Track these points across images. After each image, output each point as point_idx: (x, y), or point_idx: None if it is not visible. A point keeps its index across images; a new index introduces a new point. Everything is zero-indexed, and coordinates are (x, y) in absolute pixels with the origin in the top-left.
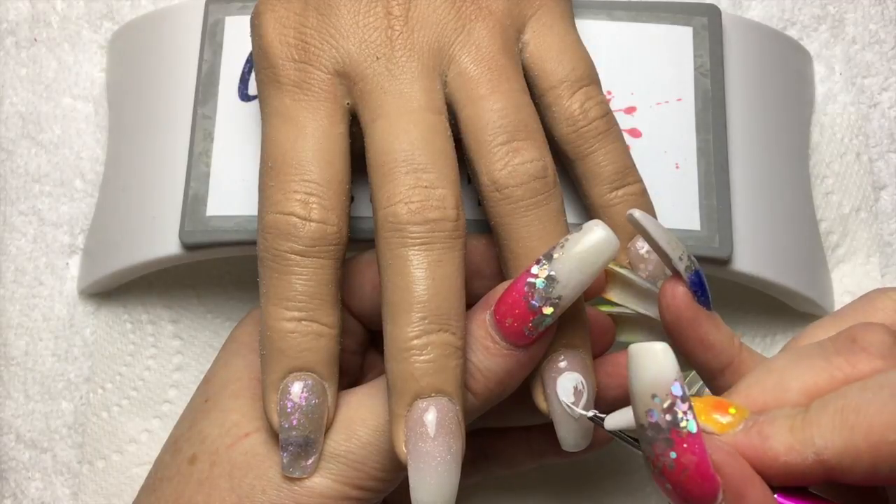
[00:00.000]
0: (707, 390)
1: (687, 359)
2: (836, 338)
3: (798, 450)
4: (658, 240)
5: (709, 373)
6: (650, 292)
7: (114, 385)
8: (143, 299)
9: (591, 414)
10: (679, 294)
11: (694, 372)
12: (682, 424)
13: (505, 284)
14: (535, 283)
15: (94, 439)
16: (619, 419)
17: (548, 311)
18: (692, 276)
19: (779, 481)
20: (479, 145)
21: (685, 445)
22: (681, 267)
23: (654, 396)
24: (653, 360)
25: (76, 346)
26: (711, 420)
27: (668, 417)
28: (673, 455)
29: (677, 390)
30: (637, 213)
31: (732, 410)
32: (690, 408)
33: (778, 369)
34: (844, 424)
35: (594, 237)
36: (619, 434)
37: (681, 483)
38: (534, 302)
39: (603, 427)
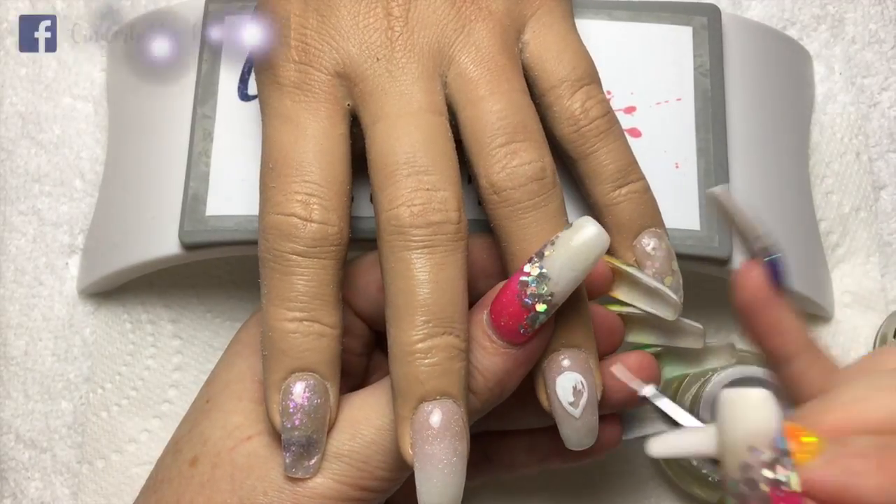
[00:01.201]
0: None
1: (756, 343)
2: None
3: (888, 490)
4: (736, 219)
5: (776, 360)
6: (657, 290)
7: (113, 385)
8: (142, 299)
9: (651, 391)
10: (754, 276)
11: (692, 373)
12: (783, 481)
13: (501, 284)
14: (527, 282)
15: (93, 439)
16: (695, 441)
17: (541, 308)
18: (769, 259)
19: None
20: (479, 147)
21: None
22: (757, 248)
23: (752, 449)
24: (753, 409)
25: (76, 346)
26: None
27: (768, 474)
28: None
29: (780, 444)
30: (718, 190)
31: (804, 439)
32: (792, 465)
33: (860, 400)
34: None
35: (584, 234)
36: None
37: None
38: (526, 300)
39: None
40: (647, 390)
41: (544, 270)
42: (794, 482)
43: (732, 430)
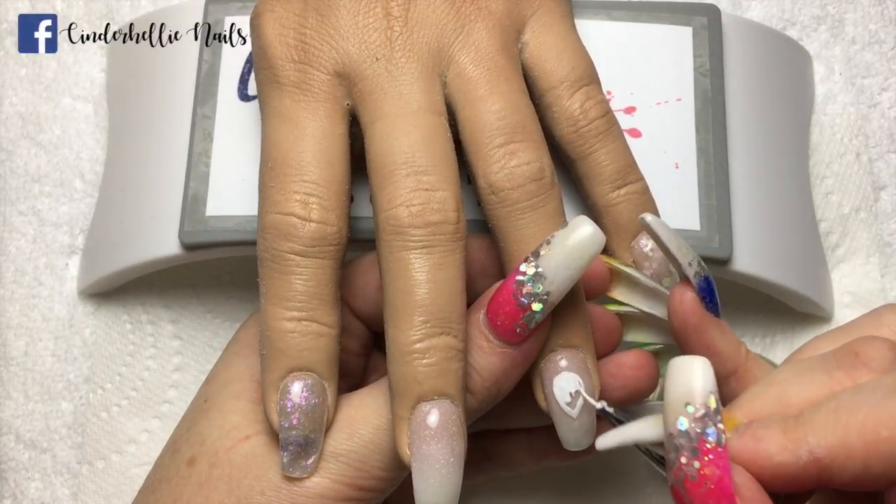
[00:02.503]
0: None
1: None
2: (838, 351)
3: (791, 449)
4: (668, 244)
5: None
6: (655, 291)
7: (113, 385)
8: (142, 299)
9: (600, 406)
10: (687, 300)
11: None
12: (712, 437)
13: (498, 284)
14: (523, 281)
15: (93, 440)
16: (618, 436)
17: (536, 307)
18: (701, 281)
19: (775, 486)
20: (477, 147)
21: (710, 457)
22: (690, 272)
23: (687, 405)
24: (691, 371)
25: (76, 347)
26: None
27: (697, 428)
28: (696, 465)
29: (712, 403)
30: (648, 217)
31: (726, 419)
32: (721, 422)
33: (779, 382)
34: (838, 422)
35: (580, 233)
36: (642, 449)
37: (700, 496)
38: (522, 299)
39: (613, 423)
40: (601, 404)
41: (540, 269)
42: (721, 439)
43: (672, 389)
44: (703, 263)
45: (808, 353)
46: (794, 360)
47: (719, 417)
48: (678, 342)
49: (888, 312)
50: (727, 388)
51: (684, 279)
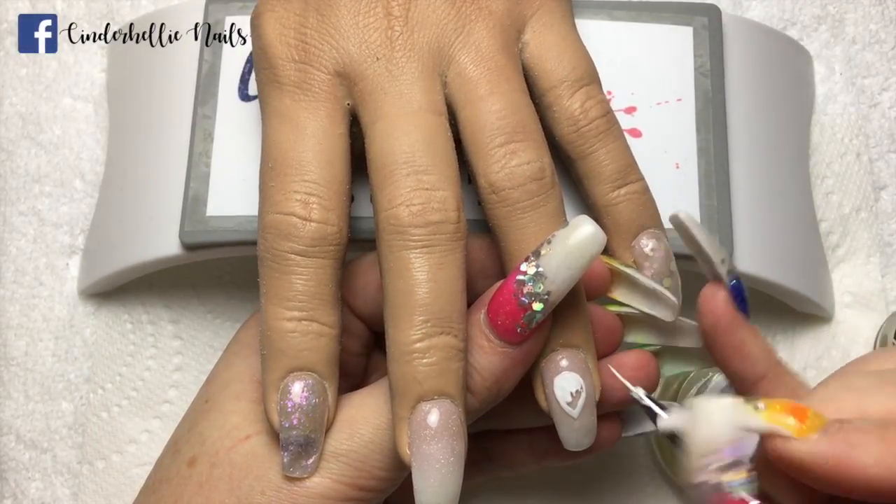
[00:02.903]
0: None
1: (721, 366)
2: None
3: (890, 464)
4: (701, 242)
5: (742, 383)
6: (655, 291)
7: (114, 385)
8: (143, 299)
9: (640, 394)
10: (719, 299)
11: (693, 374)
12: (731, 492)
13: (498, 284)
14: (523, 280)
15: (94, 440)
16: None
17: (537, 307)
18: (733, 282)
19: (859, 495)
20: (478, 147)
21: None
22: (722, 271)
23: (708, 454)
24: (713, 417)
25: (76, 347)
26: (786, 423)
27: (714, 481)
28: None
29: (729, 454)
30: (682, 215)
31: (811, 415)
32: (753, 470)
33: (859, 389)
34: None
35: (581, 233)
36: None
37: None
38: (523, 299)
39: (653, 414)
40: (638, 392)
41: (541, 269)
42: (742, 493)
43: (694, 436)
44: (734, 265)
45: (873, 366)
46: (865, 369)
47: (740, 468)
48: (707, 343)
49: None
50: (755, 394)
51: (715, 278)
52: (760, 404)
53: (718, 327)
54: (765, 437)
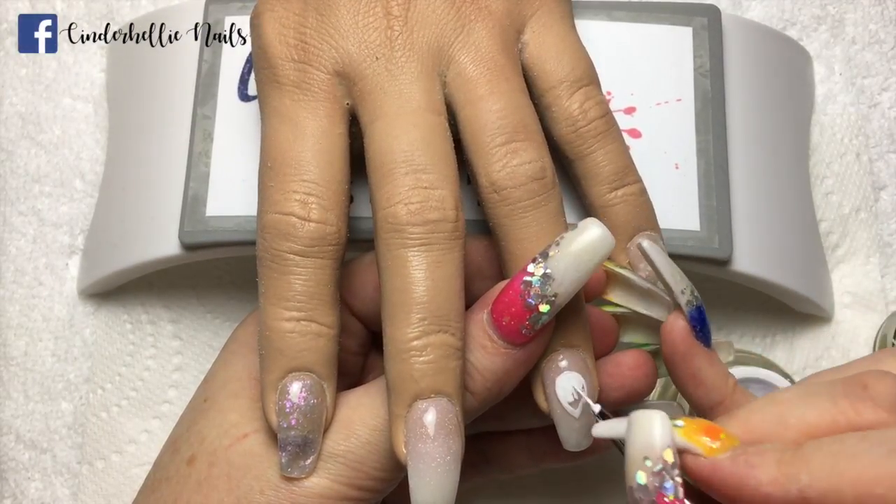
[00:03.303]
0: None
1: (680, 392)
2: (847, 380)
3: (782, 483)
4: (663, 271)
5: (699, 408)
6: (651, 292)
7: (113, 385)
8: (142, 299)
9: (598, 409)
10: (677, 328)
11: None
12: (669, 491)
13: (502, 284)
14: (531, 282)
15: (93, 440)
16: (608, 428)
17: (544, 308)
18: (693, 310)
19: None
20: (478, 146)
21: None
22: (682, 301)
23: (646, 459)
24: (650, 425)
25: (76, 347)
26: (700, 442)
27: (656, 482)
28: None
29: (669, 457)
30: (646, 244)
31: (723, 436)
32: (678, 476)
33: (782, 402)
34: (835, 469)
35: (590, 235)
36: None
37: None
38: (530, 300)
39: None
40: (586, 398)
41: (548, 271)
42: (679, 493)
43: (632, 444)
44: (696, 293)
45: (815, 381)
46: (802, 383)
47: (676, 472)
48: (668, 369)
49: (888, 357)
50: (711, 418)
51: (677, 307)
52: (679, 422)
53: (675, 356)
54: (681, 452)
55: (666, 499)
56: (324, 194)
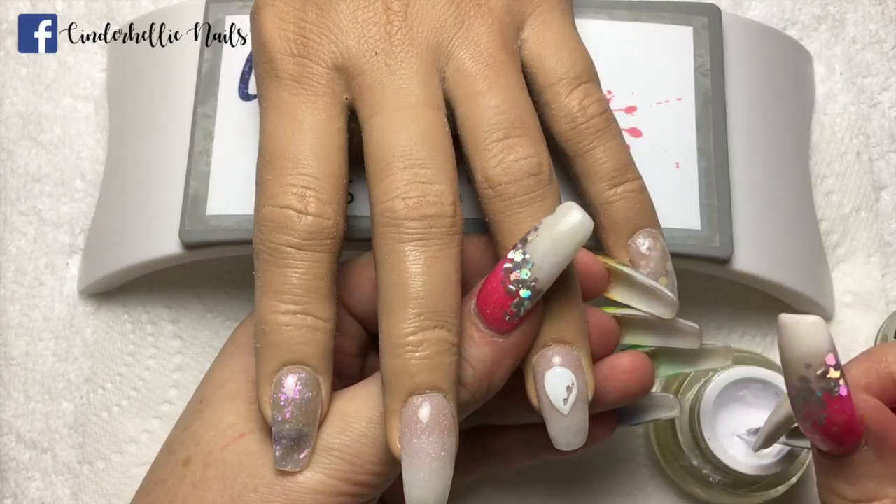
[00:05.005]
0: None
1: None
2: None
3: None
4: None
5: None
6: (652, 289)
7: (114, 385)
8: (143, 299)
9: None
10: None
11: (693, 373)
12: (836, 391)
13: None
14: (511, 268)
15: (94, 439)
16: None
17: (524, 293)
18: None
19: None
20: (475, 141)
21: (836, 407)
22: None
23: (808, 365)
24: (806, 331)
25: (76, 347)
26: None
27: (822, 384)
28: (824, 415)
29: (831, 360)
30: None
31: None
32: (843, 375)
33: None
34: None
35: (568, 219)
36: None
37: (831, 435)
38: (510, 286)
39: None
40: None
41: (527, 256)
42: (844, 391)
43: (790, 350)
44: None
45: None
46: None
47: (840, 372)
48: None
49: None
50: None
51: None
52: None
53: None
54: None
55: (832, 398)
56: (321, 188)
